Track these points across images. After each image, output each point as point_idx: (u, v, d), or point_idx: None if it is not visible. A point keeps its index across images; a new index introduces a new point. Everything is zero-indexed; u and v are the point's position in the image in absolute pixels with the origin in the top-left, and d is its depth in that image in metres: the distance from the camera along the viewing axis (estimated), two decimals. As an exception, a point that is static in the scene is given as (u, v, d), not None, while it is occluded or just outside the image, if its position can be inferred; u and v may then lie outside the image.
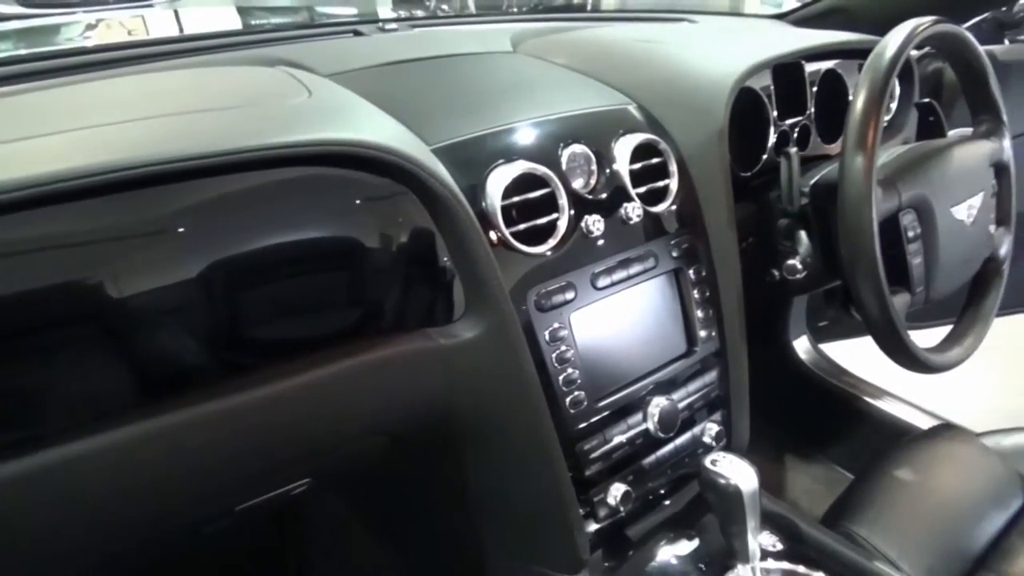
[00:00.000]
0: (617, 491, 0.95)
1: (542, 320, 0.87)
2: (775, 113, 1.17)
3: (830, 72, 1.26)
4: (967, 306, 1.18)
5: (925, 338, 1.08)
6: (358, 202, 0.72)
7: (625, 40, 1.35)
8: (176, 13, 1.64)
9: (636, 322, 0.97)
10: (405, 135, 0.82)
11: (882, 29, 1.00)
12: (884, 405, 1.53)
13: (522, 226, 0.85)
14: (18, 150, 0.63)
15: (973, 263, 1.15)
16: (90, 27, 1.50)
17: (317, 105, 0.81)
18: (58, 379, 0.60)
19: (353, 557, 1.37)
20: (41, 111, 0.80)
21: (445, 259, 0.77)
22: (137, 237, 0.61)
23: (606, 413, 0.94)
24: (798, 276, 1.11)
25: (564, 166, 0.91)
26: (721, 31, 1.57)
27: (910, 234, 1.02)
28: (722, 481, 0.88)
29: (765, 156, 1.17)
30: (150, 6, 1.71)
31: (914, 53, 1.37)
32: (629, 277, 0.95)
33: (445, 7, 2.38)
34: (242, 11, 1.71)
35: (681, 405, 1.00)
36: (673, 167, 0.99)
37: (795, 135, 1.21)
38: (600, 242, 0.92)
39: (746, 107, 1.12)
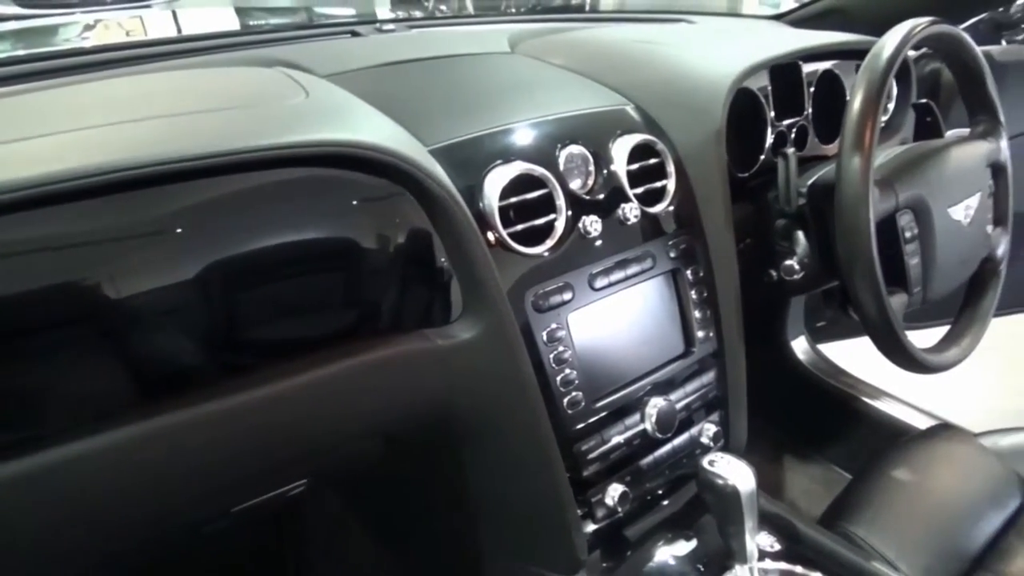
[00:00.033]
0: (615, 491, 0.95)
1: (540, 321, 0.87)
2: (772, 114, 1.17)
3: (828, 73, 1.26)
4: (964, 306, 1.18)
5: (923, 338, 1.08)
6: (355, 203, 0.72)
7: (623, 41, 1.35)
8: (174, 14, 1.64)
9: (634, 323, 0.97)
10: (402, 136, 0.82)
11: (879, 30, 1.00)
12: (882, 405, 1.53)
13: (519, 227, 0.85)
14: (16, 151, 0.62)
15: (970, 263, 1.15)
16: (88, 27, 1.50)
17: (314, 106, 0.81)
18: (58, 379, 0.60)
19: (351, 557, 1.37)
20: (39, 112, 0.80)
21: (442, 260, 0.77)
22: (134, 238, 0.61)
23: (604, 414, 0.94)
24: (795, 276, 1.11)
25: (562, 167, 0.91)
26: (719, 32, 1.57)
27: (907, 234, 1.02)
28: (720, 481, 0.88)
29: (763, 157, 1.17)
30: (148, 7, 1.71)
31: (911, 54, 1.37)
32: (627, 278, 0.95)
33: (443, 8, 2.38)
34: (240, 12, 1.71)
35: (679, 406, 1.00)
36: (671, 168, 0.99)
37: (793, 136, 1.21)
38: (598, 243, 0.92)
39: (744, 108, 1.12)
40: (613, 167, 0.95)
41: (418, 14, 2.12)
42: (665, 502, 1.05)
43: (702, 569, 0.96)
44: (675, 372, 1.01)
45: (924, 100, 1.28)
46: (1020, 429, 1.23)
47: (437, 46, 1.23)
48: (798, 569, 0.93)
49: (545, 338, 0.87)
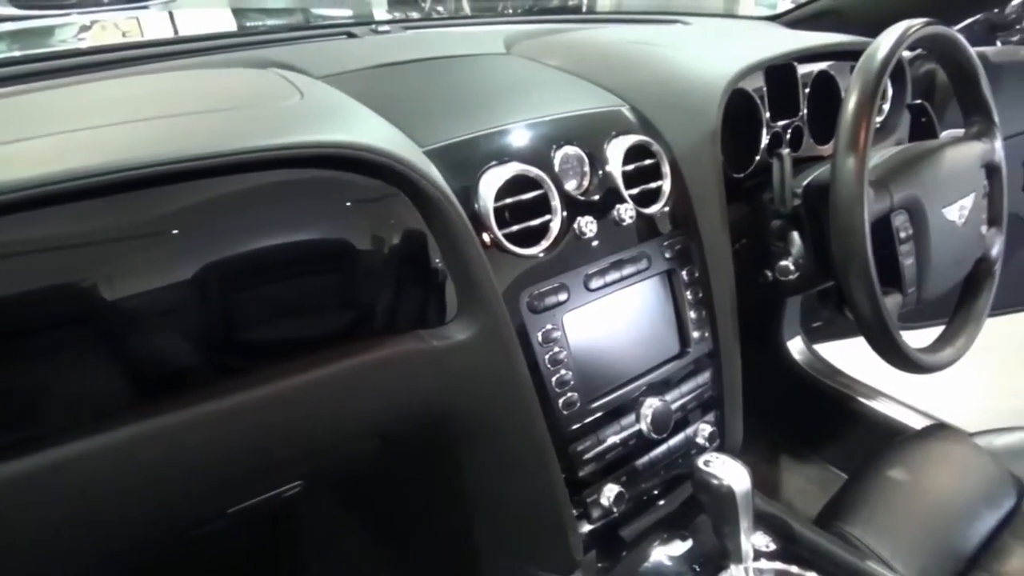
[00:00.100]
0: (610, 492, 0.95)
1: (535, 321, 0.87)
2: (768, 114, 1.17)
3: (823, 73, 1.26)
4: (959, 306, 1.19)
5: (917, 338, 1.08)
6: (350, 204, 0.72)
7: (618, 42, 1.35)
8: (171, 15, 1.64)
9: (629, 323, 0.97)
10: (397, 137, 0.82)
11: (874, 31, 1.00)
12: (878, 405, 1.53)
13: (515, 228, 0.86)
14: (12, 152, 0.63)
15: (965, 264, 1.15)
16: (84, 28, 1.50)
17: (309, 107, 0.81)
18: (57, 379, 0.60)
19: (347, 558, 1.37)
20: (34, 113, 0.80)
21: (437, 261, 0.77)
22: (130, 239, 0.61)
23: (599, 414, 0.94)
24: (791, 277, 1.11)
25: (557, 167, 0.91)
26: (714, 33, 1.57)
27: (902, 235, 1.02)
28: (715, 482, 0.88)
29: (758, 157, 1.17)
30: (145, 7, 1.71)
31: (906, 55, 1.38)
32: (622, 278, 0.95)
33: (440, 8, 2.39)
34: (236, 13, 1.71)
35: (674, 406, 1.00)
36: (666, 168, 0.99)
37: (788, 136, 1.21)
38: (593, 243, 0.93)
39: (739, 109, 1.12)
40: (608, 168, 0.95)
41: (414, 15, 2.13)
42: (661, 502, 1.05)
43: (697, 569, 0.96)
44: (671, 372, 1.01)
45: (919, 101, 1.28)
46: (1015, 429, 1.23)
47: (433, 47, 1.23)
48: (793, 569, 0.93)
49: (540, 339, 0.87)
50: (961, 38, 1.06)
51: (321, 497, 1.31)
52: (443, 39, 1.42)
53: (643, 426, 0.97)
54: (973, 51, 1.07)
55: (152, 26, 1.62)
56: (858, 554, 0.98)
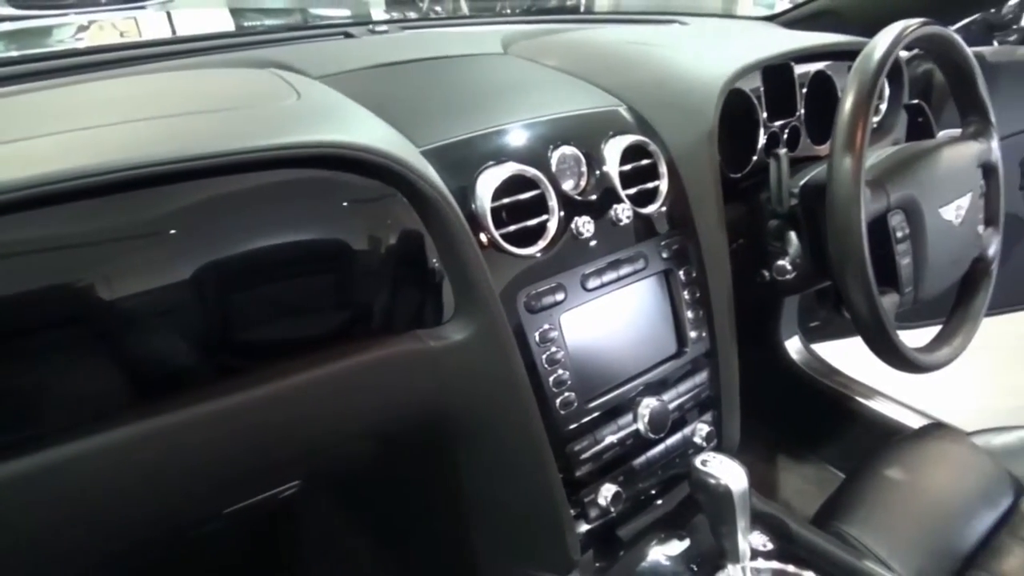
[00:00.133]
0: (608, 492, 0.95)
1: (532, 321, 0.87)
2: (765, 114, 1.18)
3: (820, 74, 1.26)
4: (956, 306, 1.19)
5: (914, 338, 1.08)
6: (347, 204, 0.72)
7: (616, 42, 1.35)
8: (168, 15, 1.64)
9: (626, 323, 0.97)
10: (394, 137, 0.82)
11: (872, 31, 1.00)
12: (875, 405, 1.53)
13: (512, 228, 0.86)
14: (9, 152, 0.63)
15: (962, 263, 1.16)
16: (82, 28, 1.50)
17: (306, 107, 0.81)
18: (57, 379, 0.61)
19: (345, 558, 1.37)
20: (31, 113, 0.80)
21: (434, 261, 0.77)
22: (126, 239, 0.61)
23: (597, 414, 0.94)
24: (788, 277, 1.12)
25: (554, 167, 0.91)
26: (711, 33, 1.58)
27: (899, 235, 1.02)
28: (712, 481, 0.88)
29: (755, 157, 1.17)
30: (142, 8, 1.71)
31: (903, 55, 1.38)
32: (619, 278, 0.95)
33: (438, 8, 2.38)
34: (233, 13, 1.71)
35: (672, 406, 1.00)
36: (663, 168, 0.99)
37: (785, 136, 1.21)
38: (590, 243, 0.93)
39: (736, 109, 1.12)
40: (605, 168, 0.95)
41: (412, 15, 2.13)
42: (658, 502, 1.05)
43: (695, 569, 0.96)
44: (668, 372, 1.01)
45: (916, 101, 1.28)
46: (1012, 428, 1.23)
47: (430, 47, 1.23)
48: (790, 568, 0.93)
49: (537, 339, 0.87)
50: (958, 38, 1.06)
51: (319, 497, 1.31)
52: (440, 39, 1.42)
53: (640, 426, 0.97)
54: (970, 51, 1.08)
55: (150, 26, 1.62)
56: (855, 553, 0.98)
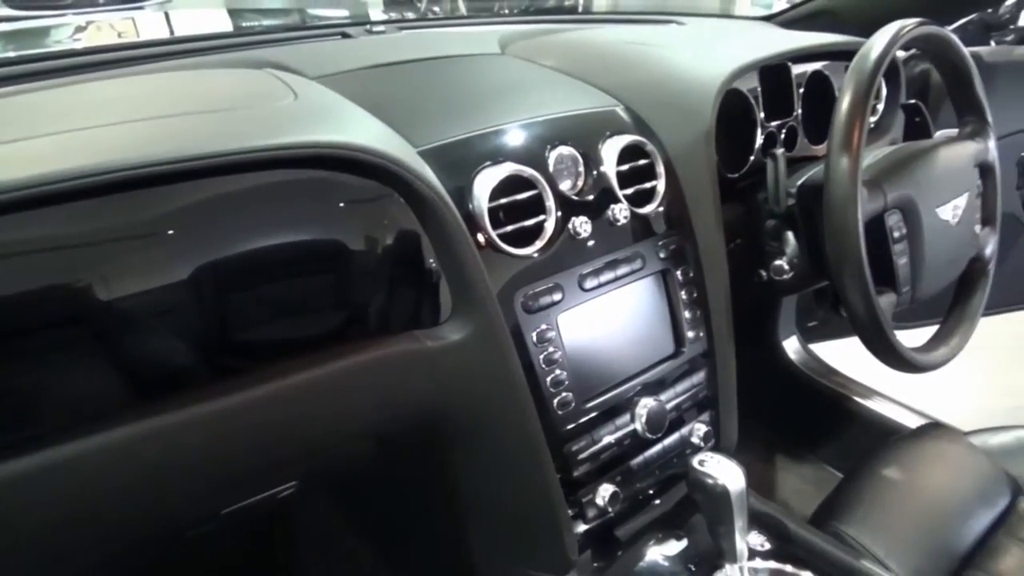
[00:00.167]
0: (605, 492, 0.95)
1: (529, 322, 0.87)
2: (762, 114, 1.18)
3: (817, 74, 1.26)
4: (953, 306, 1.19)
5: (912, 338, 1.08)
6: (344, 204, 0.72)
7: (613, 42, 1.36)
8: (166, 15, 1.64)
9: (624, 323, 0.97)
10: (391, 137, 0.82)
11: (869, 31, 1.00)
12: (873, 404, 1.54)
13: (509, 228, 0.85)
14: (6, 152, 0.63)
15: (959, 263, 1.16)
16: (80, 29, 1.50)
17: (303, 107, 0.81)
18: (56, 379, 0.61)
19: (344, 558, 1.37)
20: (29, 113, 0.80)
21: (431, 261, 0.77)
22: (124, 239, 0.61)
23: (594, 414, 0.94)
24: (785, 277, 1.12)
25: (551, 168, 0.91)
26: (709, 33, 1.58)
27: (896, 234, 1.02)
28: (710, 481, 0.88)
29: (752, 157, 1.17)
30: (140, 8, 1.71)
31: (901, 55, 1.38)
32: (616, 278, 0.95)
33: (436, 9, 2.39)
34: (231, 13, 1.71)
35: (669, 406, 1.00)
36: (660, 168, 0.99)
37: (782, 136, 1.22)
38: (587, 244, 0.93)
39: (733, 109, 1.12)
40: (603, 168, 0.95)
41: (410, 15, 2.13)
42: (656, 502, 1.05)
43: (693, 568, 0.96)
44: (665, 372, 1.01)
45: (913, 101, 1.28)
46: (1009, 428, 1.23)
47: (427, 48, 1.23)
48: (788, 568, 0.93)
49: (535, 339, 0.87)
50: (954, 38, 1.06)
51: (317, 498, 1.31)
52: (438, 39, 1.42)
53: (638, 426, 0.97)
54: (967, 51, 1.08)
55: (148, 26, 1.62)
56: (853, 553, 0.98)
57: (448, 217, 0.75)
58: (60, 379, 0.61)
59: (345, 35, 1.34)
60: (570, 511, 0.93)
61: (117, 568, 0.85)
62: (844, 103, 0.94)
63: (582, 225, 0.91)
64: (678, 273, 1.01)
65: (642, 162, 0.98)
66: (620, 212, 0.94)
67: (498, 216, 0.85)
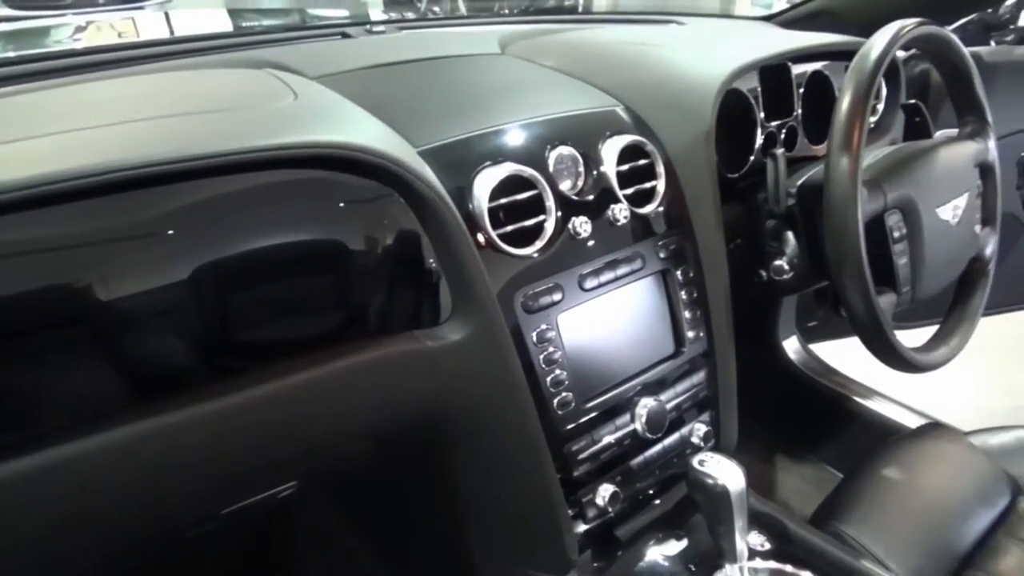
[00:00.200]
0: (605, 492, 0.95)
1: (529, 322, 0.87)
2: (762, 114, 1.18)
3: (817, 74, 1.26)
4: (953, 306, 1.19)
5: (912, 338, 1.08)
6: (344, 205, 0.72)
7: (613, 42, 1.36)
8: (166, 15, 1.64)
9: (624, 323, 0.97)
10: (391, 137, 0.82)
11: (869, 31, 1.00)
12: (873, 404, 1.54)
13: (509, 228, 0.85)
14: (6, 152, 0.63)
15: (959, 263, 1.16)
16: (80, 29, 1.50)
17: (303, 107, 0.81)
18: (56, 379, 0.61)
19: (344, 559, 1.37)
20: (29, 114, 0.80)
21: (431, 261, 0.77)
22: (123, 240, 0.61)
23: (594, 414, 0.94)
24: (785, 277, 1.12)
25: (551, 168, 0.91)
26: (709, 33, 1.58)
27: (896, 234, 1.02)
28: (709, 481, 0.88)
29: (752, 157, 1.17)
30: (140, 8, 1.71)
31: (901, 55, 1.38)
32: (616, 278, 0.95)
33: (436, 9, 2.39)
34: (231, 13, 1.71)
35: (669, 406, 1.00)
36: (660, 168, 0.99)
37: (782, 136, 1.21)
38: (587, 244, 0.93)
39: (733, 109, 1.12)
40: (603, 168, 0.95)
41: (410, 15, 2.13)
42: (656, 502, 1.05)
43: (693, 568, 0.97)
44: (665, 372, 1.01)
45: (913, 101, 1.28)
46: (1009, 428, 1.23)
47: (427, 48, 1.23)
48: (788, 568, 0.93)
49: (535, 339, 0.87)
50: (954, 38, 1.06)
51: (317, 498, 1.31)
52: (438, 39, 1.42)
53: (638, 426, 0.97)
54: (967, 51, 1.08)
55: (148, 27, 1.62)
56: (853, 553, 0.98)
57: (448, 217, 0.75)
58: (60, 379, 0.61)
59: (345, 35, 1.34)
60: (570, 511, 0.93)
61: (117, 568, 0.85)
62: (844, 103, 0.94)
63: (582, 225, 0.91)
64: (678, 273, 1.01)
65: (642, 162, 0.98)
66: (620, 212, 0.94)
67: (498, 216, 0.85)
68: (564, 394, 0.90)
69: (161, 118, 0.72)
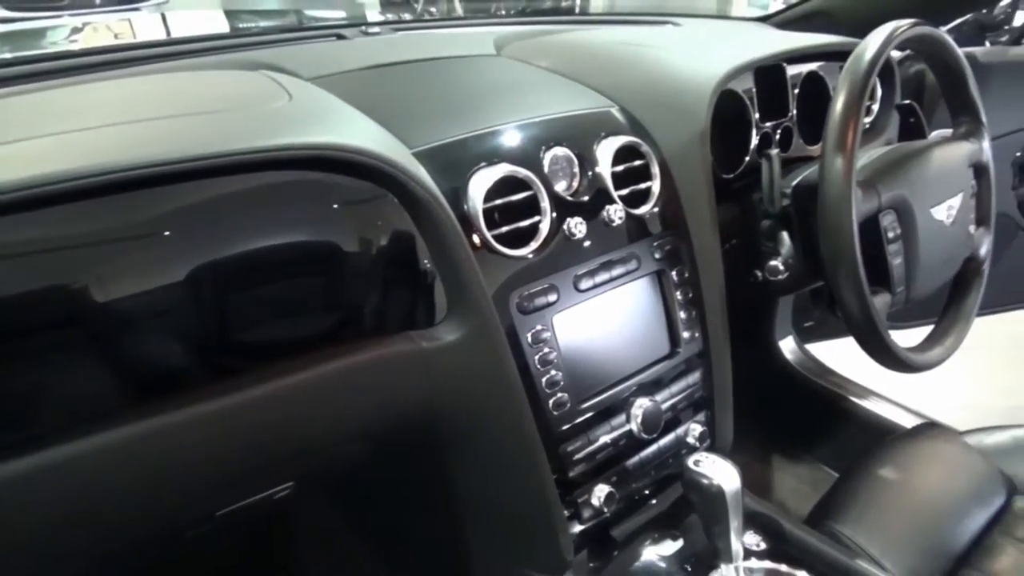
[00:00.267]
0: (601, 492, 0.95)
1: (524, 322, 0.87)
2: (757, 115, 1.18)
3: (812, 74, 1.26)
4: (948, 306, 1.19)
5: (907, 338, 1.09)
6: (339, 206, 0.72)
7: (608, 43, 1.36)
8: (163, 17, 1.65)
9: (619, 324, 0.97)
10: (386, 138, 0.82)
11: (864, 32, 1.00)
12: (869, 404, 1.54)
13: (504, 229, 0.86)
14: (2, 154, 0.63)
15: (953, 263, 1.16)
16: (76, 31, 1.50)
17: (298, 109, 0.81)
18: (55, 380, 0.61)
19: (341, 559, 1.37)
20: (24, 115, 0.80)
21: (427, 262, 0.77)
22: (118, 241, 0.61)
23: (590, 414, 0.94)
24: (780, 277, 1.12)
25: (546, 168, 0.91)
26: (704, 34, 1.58)
27: (890, 235, 1.02)
28: (705, 481, 0.88)
29: (747, 158, 1.17)
30: (136, 9, 1.71)
31: (895, 55, 1.39)
32: (612, 279, 0.95)
33: (432, 10, 2.39)
34: (227, 15, 1.71)
35: (664, 406, 1.00)
36: (655, 169, 1.00)
37: (777, 137, 1.22)
38: (583, 244, 0.93)
39: (728, 109, 1.13)
40: (598, 169, 0.95)
41: (407, 16, 2.13)
42: (652, 502, 1.06)
43: (688, 569, 0.97)
44: (661, 372, 1.01)
45: (908, 101, 1.28)
46: (1005, 427, 1.23)
47: (422, 49, 1.23)
48: (783, 568, 0.93)
49: (530, 340, 0.87)
50: (948, 39, 1.06)
51: (316, 498, 1.31)
52: (433, 41, 1.42)
53: (633, 426, 0.97)
54: (960, 52, 1.08)
55: (144, 28, 1.62)
56: (848, 553, 0.99)
57: (443, 218, 0.75)
58: (60, 379, 0.61)
59: (340, 36, 1.34)
60: (566, 511, 0.93)
61: (116, 568, 0.85)
62: (838, 104, 0.94)
63: (577, 226, 0.91)
64: (673, 273, 1.01)
65: (637, 163, 0.99)
66: (615, 213, 0.95)
67: (493, 217, 0.85)
68: (559, 395, 0.90)
69: (155, 119, 0.72)
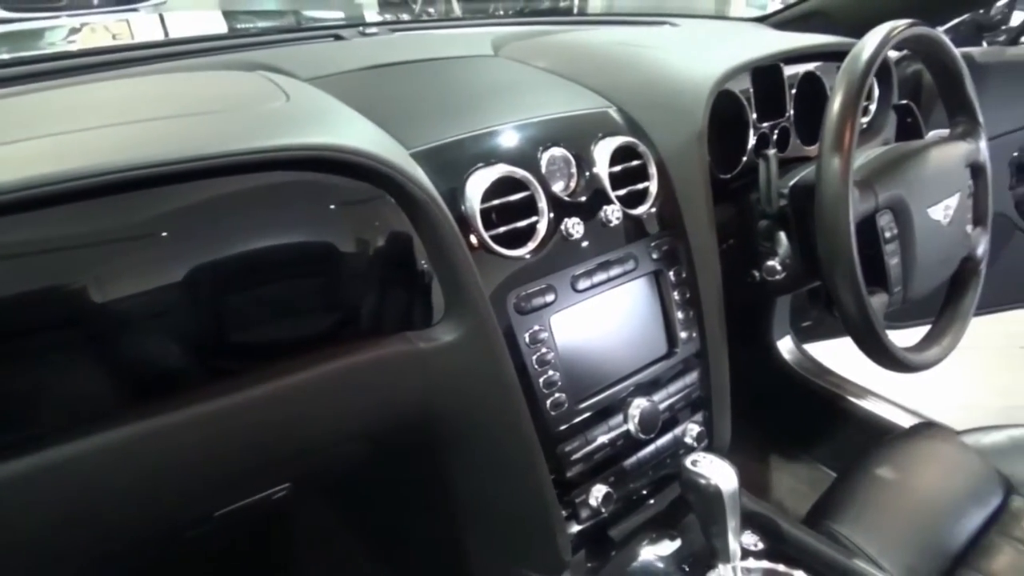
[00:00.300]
0: (599, 492, 0.95)
1: (522, 323, 0.87)
2: (754, 115, 1.18)
3: (809, 74, 1.26)
4: (945, 306, 1.19)
5: (904, 338, 1.09)
6: (336, 207, 0.72)
7: (606, 43, 1.36)
8: (161, 17, 1.65)
9: (617, 324, 0.97)
10: (383, 139, 0.82)
11: (861, 32, 1.00)
12: (867, 404, 1.54)
13: (501, 229, 0.86)
14: (1, 154, 0.63)
15: (950, 263, 1.16)
16: (74, 31, 1.50)
17: (295, 109, 0.81)
18: (54, 380, 0.61)
19: (339, 560, 1.37)
20: (22, 116, 0.80)
21: (424, 263, 0.77)
22: (116, 242, 0.61)
23: (587, 415, 0.94)
24: (778, 277, 1.12)
25: (544, 169, 0.91)
26: (701, 34, 1.58)
27: (887, 235, 1.02)
28: (702, 481, 0.88)
29: (745, 158, 1.17)
30: (134, 10, 1.71)
31: (893, 55, 1.39)
32: (609, 279, 0.95)
33: (431, 11, 2.39)
34: (224, 15, 1.71)
35: (662, 406, 1.00)
36: (652, 169, 1.00)
37: (774, 137, 1.22)
38: (580, 245, 0.93)
39: (726, 110, 1.13)
40: (595, 169, 0.95)
41: (405, 17, 2.13)
42: (649, 502, 1.06)
43: (686, 569, 0.97)
44: (658, 373, 1.01)
45: (905, 101, 1.28)
46: (1002, 427, 1.23)
47: (420, 49, 1.23)
48: (781, 568, 0.93)
49: (527, 340, 0.87)
50: (945, 39, 1.06)
51: (314, 499, 1.31)
52: (430, 41, 1.42)
53: (631, 426, 0.98)
54: (957, 52, 1.08)
55: (142, 28, 1.62)
56: (846, 552, 0.99)
57: (440, 219, 0.75)
58: (59, 380, 0.61)
59: (338, 37, 1.34)
60: (563, 512, 0.93)
61: (116, 568, 0.85)
62: (835, 104, 0.94)
63: (574, 226, 0.91)
64: (671, 274, 1.01)
65: (634, 163, 0.99)
66: (612, 213, 0.95)
67: (490, 217, 0.85)
68: (557, 395, 0.90)
69: (153, 120, 0.72)
